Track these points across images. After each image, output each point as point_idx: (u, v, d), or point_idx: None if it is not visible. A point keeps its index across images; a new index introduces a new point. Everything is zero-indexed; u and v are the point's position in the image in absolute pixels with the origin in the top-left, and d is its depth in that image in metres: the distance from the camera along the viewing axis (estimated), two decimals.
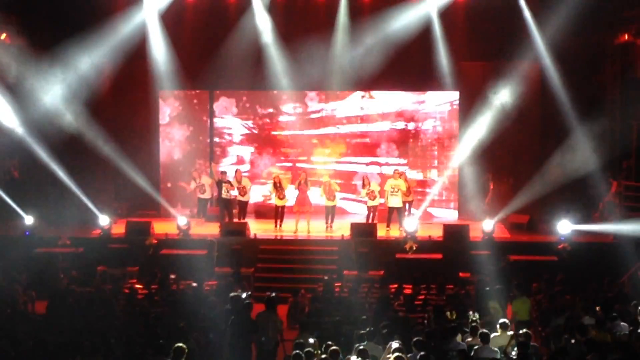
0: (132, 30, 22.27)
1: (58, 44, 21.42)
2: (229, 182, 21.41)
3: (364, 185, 21.42)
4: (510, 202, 22.01)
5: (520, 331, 12.63)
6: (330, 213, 21.47)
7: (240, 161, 23.86)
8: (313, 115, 23.82)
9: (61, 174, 21.30)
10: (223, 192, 21.45)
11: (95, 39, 21.72)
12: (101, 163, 22.47)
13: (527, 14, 21.89)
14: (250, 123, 23.92)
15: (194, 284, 16.61)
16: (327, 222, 21.46)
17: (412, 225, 20.08)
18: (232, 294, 14.26)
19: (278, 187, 21.35)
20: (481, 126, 22.08)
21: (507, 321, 13.27)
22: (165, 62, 22.70)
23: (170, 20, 22.74)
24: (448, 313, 14.46)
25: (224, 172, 21.76)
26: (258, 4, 22.68)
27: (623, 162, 22.43)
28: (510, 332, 12.89)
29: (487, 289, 15.66)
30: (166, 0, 22.51)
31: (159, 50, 22.68)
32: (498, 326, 13.03)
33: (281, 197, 21.43)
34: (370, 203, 21.36)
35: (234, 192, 21.61)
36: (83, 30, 21.47)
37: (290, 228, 21.27)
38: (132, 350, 11.71)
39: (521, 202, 21.53)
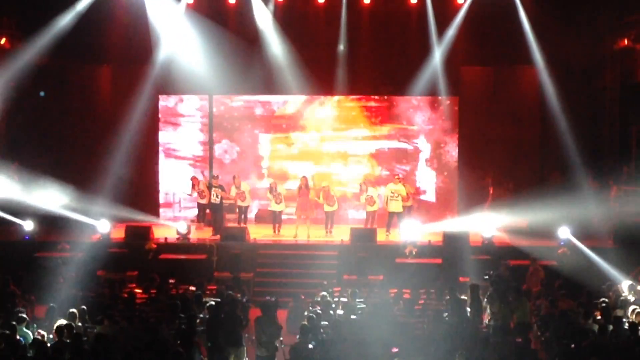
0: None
1: None
2: (220, 186, 21.34)
3: (361, 191, 21.39)
4: (510, 207, 21.98)
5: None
6: (330, 218, 21.43)
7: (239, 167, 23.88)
8: (311, 120, 23.86)
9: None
10: (212, 196, 21.40)
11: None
12: (102, 166, 22.49)
13: (526, 19, 21.93)
14: (248, 128, 23.95)
15: (193, 288, 16.59)
16: (326, 228, 21.42)
17: (412, 230, 20.07)
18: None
19: (274, 192, 21.29)
20: None
21: None
22: (166, 67, 22.73)
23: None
24: None
25: (215, 177, 21.70)
26: (259, 9, 22.74)
27: (623, 167, 22.42)
28: None
29: (488, 293, 15.66)
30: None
31: (162, 55, 22.69)
32: None
33: (278, 201, 21.35)
34: (369, 208, 21.34)
35: (244, 200, 21.43)
36: None
37: (290, 233, 21.24)
38: (131, 355, 11.69)
39: (521, 206, 21.47)
